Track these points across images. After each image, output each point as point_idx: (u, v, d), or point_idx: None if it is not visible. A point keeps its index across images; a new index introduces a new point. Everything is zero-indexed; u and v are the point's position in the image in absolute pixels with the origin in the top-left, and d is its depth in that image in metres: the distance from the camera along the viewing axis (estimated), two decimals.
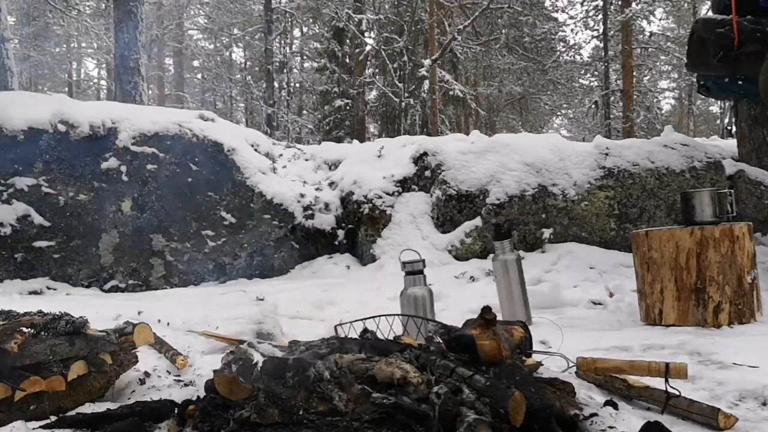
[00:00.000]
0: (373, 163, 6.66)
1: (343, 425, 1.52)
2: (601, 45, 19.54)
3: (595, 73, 22.41)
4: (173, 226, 5.76)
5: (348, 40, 19.36)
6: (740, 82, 4.45)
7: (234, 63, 27.09)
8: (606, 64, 18.68)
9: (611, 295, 4.59)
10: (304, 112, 25.94)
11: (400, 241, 5.75)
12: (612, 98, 19.16)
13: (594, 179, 5.90)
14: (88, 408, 2.10)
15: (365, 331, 2.43)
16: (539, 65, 19.76)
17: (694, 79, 5.64)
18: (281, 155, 6.89)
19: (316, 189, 6.52)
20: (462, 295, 4.56)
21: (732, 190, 3.96)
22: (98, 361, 2.23)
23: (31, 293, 5.09)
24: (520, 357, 2.18)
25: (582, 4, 19.50)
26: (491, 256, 4.18)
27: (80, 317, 2.27)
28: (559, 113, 28.60)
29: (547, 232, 5.73)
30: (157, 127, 5.86)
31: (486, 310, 1.98)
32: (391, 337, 2.44)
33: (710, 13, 5.10)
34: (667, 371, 2.02)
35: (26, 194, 5.33)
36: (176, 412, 1.84)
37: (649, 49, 20.52)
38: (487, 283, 4.80)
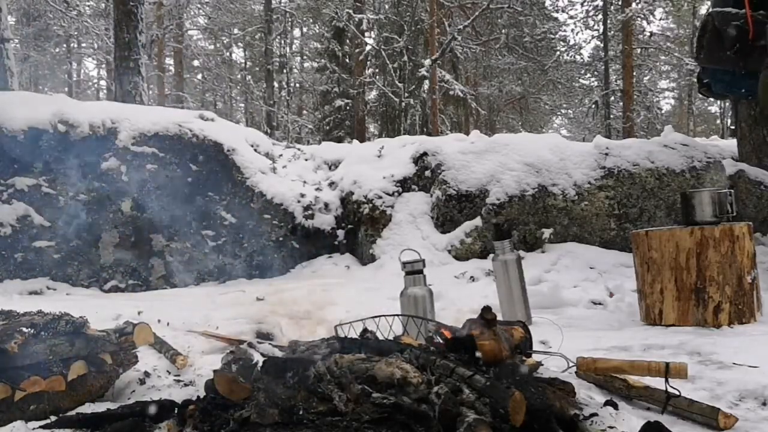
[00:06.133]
0: (373, 163, 6.66)
1: (343, 425, 1.52)
2: (601, 45, 19.55)
3: (595, 73, 22.43)
4: (173, 226, 5.76)
5: (348, 40, 19.36)
6: (748, 79, 4.44)
7: (234, 63, 27.08)
8: (606, 64, 18.68)
9: (611, 295, 4.59)
10: (304, 112, 25.96)
11: (400, 241, 5.75)
12: (612, 98, 19.16)
13: (594, 179, 5.90)
14: (88, 408, 2.10)
15: (365, 331, 2.43)
16: (539, 65, 19.77)
17: (695, 79, 5.62)
18: (281, 155, 6.89)
19: (316, 189, 6.52)
20: (462, 295, 4.56)
21: (732, 190, 3.95)
22: (98, 361, 2.23)
23: (31, 293, 5.09)
24: (520, 357, 2.18)
25: (582, 4, 19.52)
26: (491, 256, 4.18)
27: (80, 317, 2.27)
28: (559, 113, 28.61)
29: (547, 232, 5.73)
30: (157, 127, 5.86)
31: (486, 310, 1.98)
32: (391, 337, 2.44)
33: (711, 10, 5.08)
34: (667, 371, 2.02)
35: (26, 194, 5.33)
36: (176, 412, 1.84)
37: (649, 49, 20.52)
38: (487, 283, 4.80)
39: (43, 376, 2.05)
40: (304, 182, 6.57)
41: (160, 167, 5.76)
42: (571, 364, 2.36)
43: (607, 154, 6.04)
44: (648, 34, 20.14)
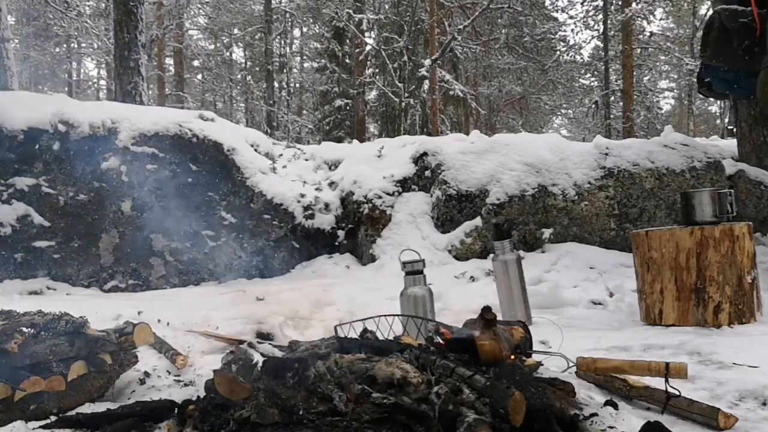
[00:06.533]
0: (373, 163, 6.66)
1: (343, 425, 1.52)
2: (601, 45, 19.56)
3: (595, 73, 22.43)
4: (173, 226, 5.75)
5: (348, 40, 19.37)
6: (751, 77, 4.44)
7: (234, 63, 27.08)
8: (606, 64, 18.68)
9: (611, 295, 4.59)
10: (304, 112, 25.95)
11: (400, 241, 5.75)
12: (612, 98, 19.17)
13: (594, 179, 5.90)
14: (88, 408, 2.10)
15: (365, 331, 2.43)
16: (539, 65, 19.76)
17: (695, 79, 5.62)
18: (281, 155, 6.89)
19: (316, 189, 6.52)
20: (462, 295, 4.56)
21: (732, 190, 3.95)
22: (98, 361, 2.23)
23: (31, 293, 5.09)
24: (520, 357, 2.18)
25: (582, 4, 19.53)
26: (491, 256, 4.18)
27: (80, 317, 2.27)
28: (559, 113, 28.61)
29: (547, 232, 5.73)
30: (157, 127, 5.86)
31: (486, 310, 1.98)
32: (391, 337, 2.44)
33: (710, 11, 5.08)
34: (667, 371, 2.02)
35: (26, 194, 5.33)
36: (176, 412, 1.84)
37: (649, 49, 20.52)
38: (487, 283, 4.80)
39: (43, 376, 2.05)
40: (304, 182, 6.56)
41: (160, 167, 5.75)
42: (571, 364, 2.36)
43: (607, 154, 6.04)
44: (648, 34, 20.15)
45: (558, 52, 20.21)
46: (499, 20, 19.21)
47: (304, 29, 26.26)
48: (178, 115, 6.27)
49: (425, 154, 6.39)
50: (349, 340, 2.17)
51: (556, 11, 20.48)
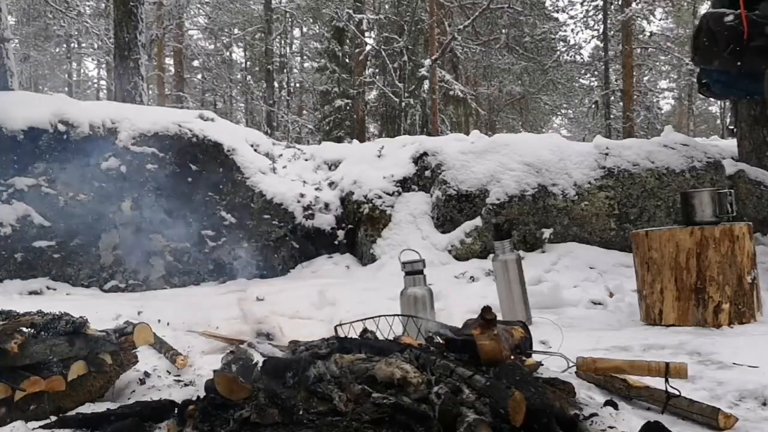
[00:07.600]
0: (373, 163, 6.67)
1: (343, 425, 1.52)
2: (601, 45, 19.56)
3: (595, 73, 22.43)
4: (173, 226, 5.76)
5: (348, 40, 19.37)
6: (745, 79, 4.44)
7: (234, 63, 27.09)
8: (606, 64, 18.69)
9: (611, 295, 4.59)
10: (304, 112, 25.96)
11: (400, 241, 5.75)
12: (612, 98, 19.17)
13: (594, 179, 5.90)
14: (88, 408, 2.10)
15: (365, 331, 2.43)
16: (539, 65, 19.76)
17: (695, 79, 5.62)
18: (281, 155, 6.89)
19: (316, 189, 6.52)
20: (462, 295, 4.55)
21: (732, 190, 3.95)
22: (98, 361, 2.23)
23: (31, 293, 5.09)
24: (520, 357, 2.18)
25: (582, 4, 19.53)
26: (491, 256, 4.18)
27: (80, 317, 2.26)
28: (559, 113, 28.59)
29: (547, 232, 5.73)
30: (157, 127, 5.86)
31: (486, 310, 1.97)
32: (391, 337, 2.44)
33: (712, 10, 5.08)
34: (667, 371, 2.02)
35: (26, 194, 5.33)
36: (176, 412, 1.83)
37: (649, 49, 20.52)
38: (487, 283, 4.80)
39: (43, 376, 2.05)
40: (304, 182, 6.57)
41: (160, 167, 5.75)
42: (571, 364, 2.36)
43: (607, 154, 6.04)
44: (648, 34, 20.15)
45: (558, 52, 20.20)
46: (499, 20, 19.19)
47: (304, 29, 26.27)
48: (178, 115, 6.28)
49: (425, 154, 6.39)
50: (349, 340, 2.17)
51: (556, 11, 20.49)
